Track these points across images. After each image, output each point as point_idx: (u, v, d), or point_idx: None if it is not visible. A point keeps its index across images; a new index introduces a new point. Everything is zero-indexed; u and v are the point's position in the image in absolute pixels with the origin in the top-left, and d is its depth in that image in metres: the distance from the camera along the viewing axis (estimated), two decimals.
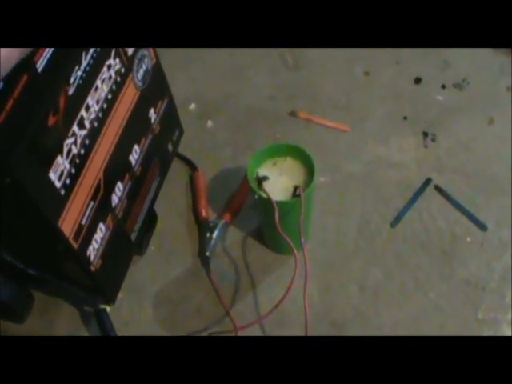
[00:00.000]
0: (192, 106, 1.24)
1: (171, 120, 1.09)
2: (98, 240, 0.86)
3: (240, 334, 0.89)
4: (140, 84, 0.92)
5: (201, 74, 1.30)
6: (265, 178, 0.88)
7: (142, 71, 0.92)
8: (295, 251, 0.84)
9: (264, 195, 0.86)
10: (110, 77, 0.84)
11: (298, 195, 0.86)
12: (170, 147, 1.09)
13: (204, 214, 1.06)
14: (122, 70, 0.87)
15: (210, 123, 1.21)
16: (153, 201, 1.04)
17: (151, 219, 1.05)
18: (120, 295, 0.98)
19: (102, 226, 0.87)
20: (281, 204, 0.85)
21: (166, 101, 1.04)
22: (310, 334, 0.84)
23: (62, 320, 0.97)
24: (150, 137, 0.98)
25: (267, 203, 0.86)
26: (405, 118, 1.18)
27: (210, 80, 1.29)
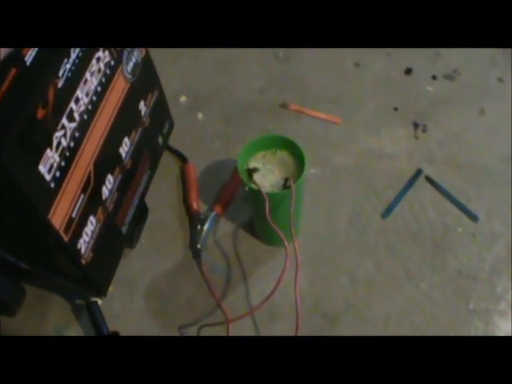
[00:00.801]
0: (182, 99, 1.24)
1: (161, 112, 1.08)
2: (89, 233, 0.86)
3: (231, 325, 0.89)
4: (129, 76, 0.92)
5: (191, 67, 1.30)
6: (255, 170, 0.88)
7: (131, 64, 0.92)
8: (286, 243, 0.84)
9: (254, 187, 0.86)
10: (100, 69, 0.84)
11: (289, 187, 0.85)
12: (160, 140, 1.08)
13: (195, 206, 1.06)
14: (112, 63, 0.87)
15: (200, 115, 1.21)
16: (143, 193, 1.04)
17: (142, 212, 1.05)
18: (111, 288, 0.98)
19: (92, 218, 0.86)
20: (271, 195, 0.85)
21: (156, 93, 1.03)
22: (302, 326, 0.84)
23: (53, 313, 0.97)
24: (140, 129, 0.98)
25: (258, 195, 0.85)
26: (395, 109, 1.18)
27: (200, 72, 1.29)
